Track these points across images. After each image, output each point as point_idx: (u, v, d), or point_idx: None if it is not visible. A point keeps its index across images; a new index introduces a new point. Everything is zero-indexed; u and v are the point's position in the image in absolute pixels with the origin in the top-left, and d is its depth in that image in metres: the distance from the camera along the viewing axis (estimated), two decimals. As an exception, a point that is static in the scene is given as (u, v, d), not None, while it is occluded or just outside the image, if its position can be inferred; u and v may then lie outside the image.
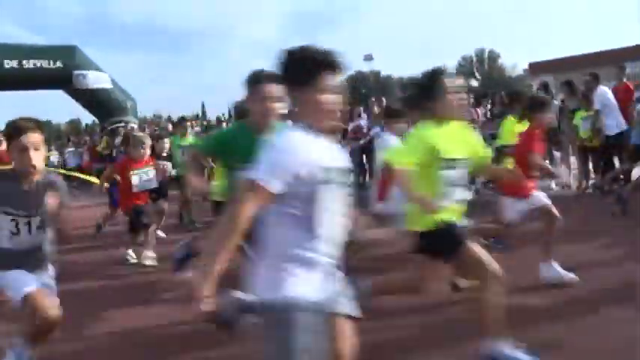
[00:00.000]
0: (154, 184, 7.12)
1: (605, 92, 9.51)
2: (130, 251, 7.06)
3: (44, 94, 21.43)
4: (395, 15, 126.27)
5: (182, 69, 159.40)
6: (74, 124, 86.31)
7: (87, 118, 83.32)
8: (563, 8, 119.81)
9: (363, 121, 12.88)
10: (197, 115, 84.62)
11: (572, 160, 10.40)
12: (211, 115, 74.76)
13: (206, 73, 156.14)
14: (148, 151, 7.21)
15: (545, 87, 11.50)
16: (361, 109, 13.97)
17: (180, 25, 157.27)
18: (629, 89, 10.09)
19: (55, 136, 30.90)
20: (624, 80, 10.43)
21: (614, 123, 9.31)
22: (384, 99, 13.89)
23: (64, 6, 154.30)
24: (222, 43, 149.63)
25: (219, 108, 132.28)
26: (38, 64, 19.45)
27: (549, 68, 39.70)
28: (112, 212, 8.73)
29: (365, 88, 65.78)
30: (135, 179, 6.78)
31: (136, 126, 20.60)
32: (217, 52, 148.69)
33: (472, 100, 13.34)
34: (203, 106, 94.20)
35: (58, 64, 19.80)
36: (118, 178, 7.26)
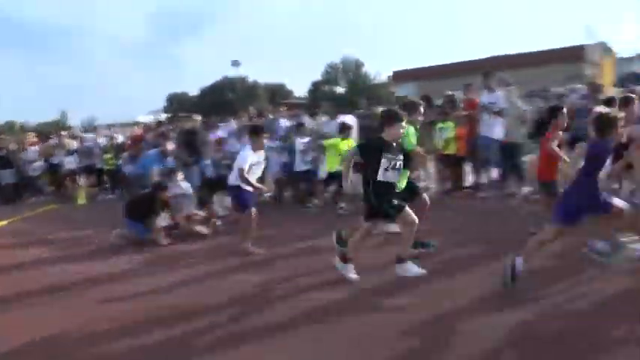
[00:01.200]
0: None
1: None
2: None
3: None
4: (263, 21, 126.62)
5: (39, 69, 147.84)
6: None
7: None
8: (428, 20, 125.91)
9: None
10: (57, 122, 79.66)
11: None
12: (74, 121, 70.21)
13: (66, 74, 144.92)
14: None
15: (427, 99, 12.27)
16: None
17: (38, 22, 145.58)
18: (473, 103, 11.03)
19: None
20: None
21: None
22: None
23: None
24: (85, 42, 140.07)
25: (80, 111, 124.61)
26: None
27: (412, 76, 41.85)
28: None
29: (232, 94, 65.62)
30: None
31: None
32: (79, 51, 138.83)
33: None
34: (64, 111, 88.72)
35: None
36: None
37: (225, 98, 64.15)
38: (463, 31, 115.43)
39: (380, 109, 10.21)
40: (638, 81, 18.53)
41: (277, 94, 69.04)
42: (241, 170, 7.23)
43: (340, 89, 69.26)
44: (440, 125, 10.49)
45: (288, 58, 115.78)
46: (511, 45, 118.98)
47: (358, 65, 70.48)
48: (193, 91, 75.99)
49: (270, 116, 12.74)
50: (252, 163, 7.33)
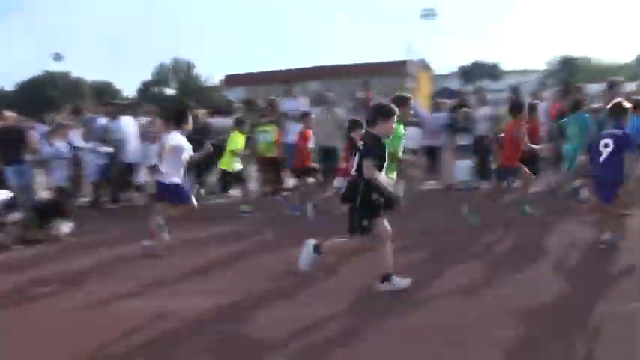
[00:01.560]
0: None
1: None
2: None
3: None
4: (80, 13, 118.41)
5: None
6: None
7: None
8: (260, 26, 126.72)
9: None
10: None
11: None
12: None
13: None
14: None
15: (248, 103, 12.38)
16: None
17: None
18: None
19: None
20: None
21: None
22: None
23: None
24: None
25: None
26: None
27: (243, 81, 41.93)
28: None
29: (55, 90, 61.37)
30: None
31: None
32: None
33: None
34: None
35: None
36: None
37: (47, 94, 59.83)
38: (293, 38, 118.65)
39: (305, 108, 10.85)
40: (448, 95, 20.31)
41: (104, 93, 65.74)
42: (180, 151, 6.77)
43: (170, 90, 67.70)
44: (261, 129, 10.69)
45: (116, 55, 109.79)
46: (339, 56, 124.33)
47: (190, 67, 69.43)
48: (8, 85, 69.58)
49: (89, 115, 12.01)
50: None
